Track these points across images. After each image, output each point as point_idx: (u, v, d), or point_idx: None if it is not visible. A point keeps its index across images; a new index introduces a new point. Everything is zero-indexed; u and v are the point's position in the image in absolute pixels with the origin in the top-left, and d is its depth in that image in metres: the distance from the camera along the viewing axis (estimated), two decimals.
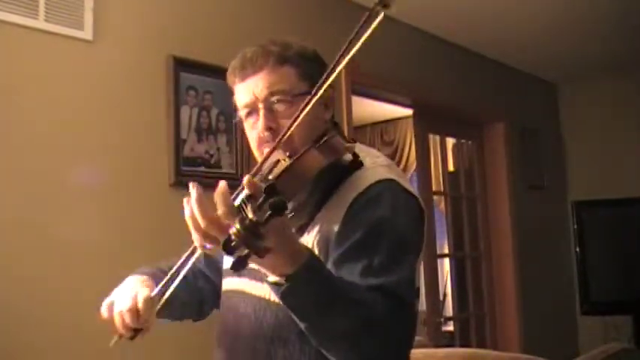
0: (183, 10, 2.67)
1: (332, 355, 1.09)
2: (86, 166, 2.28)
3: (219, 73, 2.66)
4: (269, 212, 0.89)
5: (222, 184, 0.98)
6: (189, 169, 2.55)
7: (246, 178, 0.96)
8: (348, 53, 1.03)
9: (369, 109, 4.58)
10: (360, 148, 1.30)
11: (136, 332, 1.22)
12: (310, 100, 1.09)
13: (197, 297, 1.49)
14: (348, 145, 1.26)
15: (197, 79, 2.64)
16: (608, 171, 4.89)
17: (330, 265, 1.14)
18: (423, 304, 4.00)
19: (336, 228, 1.18)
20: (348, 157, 1.25)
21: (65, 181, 2.22)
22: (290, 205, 1.14)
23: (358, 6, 3.41)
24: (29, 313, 2.09)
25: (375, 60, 3.52)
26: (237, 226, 0.89)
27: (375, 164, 1.27)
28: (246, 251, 0.90)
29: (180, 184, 2.50)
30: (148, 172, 2.48)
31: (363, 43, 1.02)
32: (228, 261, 1.36)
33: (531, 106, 4.99)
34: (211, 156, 2.65)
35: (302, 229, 1.21)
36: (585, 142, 5.09)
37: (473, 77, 4.38)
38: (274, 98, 1.24)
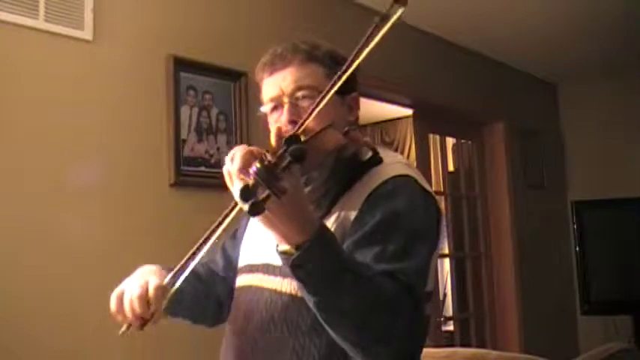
0: (183, 10, 2.67)
1: (339, 335, 1.07)
2: (86, 166, 2.28)
3: (219, 73, 2.69)
4: (289, 159, 0.92)
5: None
6: (190, 169, 2.55)
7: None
8: (367, 46, 1.02)
9: (369, 109, 4.56)
10: (380, 148, 1.31)
11: (145, 322, 1.18)
12: (330, 88, 1.06)
13: (213, 298, 1.45)
14: (368, 140, 1.28)
15: (197, 78, 2.64)
16: (608, 171, 4.88)
17: None
18: None
19: (352, 217, 1.18)
20: (368, 153, 1.27)
21: (65, 181, 2.22)
22: (307, 190, 1.17)
23: (358, 6, 3.42)
24: (30, 312, 2.09)
25: (375, 60, 3.51)
26: (258, 164, 0.91)
27: (393, 162, 1.28)
28: (265, 192, 0.90)
29: (180, 184, 2.50)
30: (148, 172, 2.48)
31: (382, 37, 1.01)
32: (244, 258, 1.36)
33: (531, 106, 4.99)
34: (211, 156, 2.65)
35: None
36: (585, 142, 5.08)
37: (473, 77, 4.38)
38: (300, 93, 1.25)
